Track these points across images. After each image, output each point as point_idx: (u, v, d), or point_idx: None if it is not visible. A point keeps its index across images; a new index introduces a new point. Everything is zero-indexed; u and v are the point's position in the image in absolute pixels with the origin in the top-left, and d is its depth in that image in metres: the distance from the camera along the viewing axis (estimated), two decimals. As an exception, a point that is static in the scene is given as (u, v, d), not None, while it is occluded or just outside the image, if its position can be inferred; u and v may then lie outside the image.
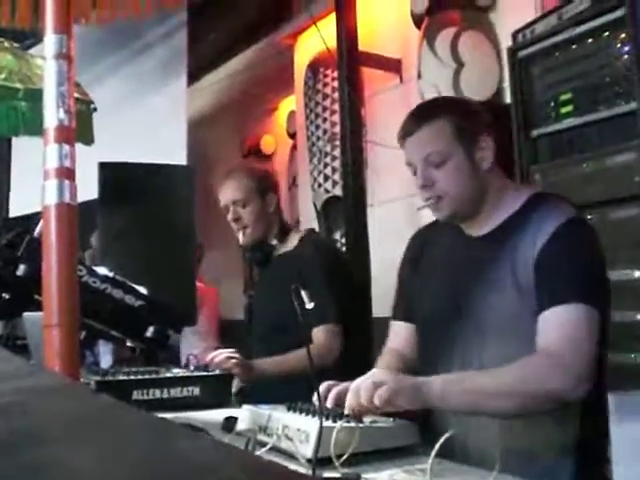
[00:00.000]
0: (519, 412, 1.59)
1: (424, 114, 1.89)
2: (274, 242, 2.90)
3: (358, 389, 1.51)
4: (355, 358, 2.67)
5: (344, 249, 4.46)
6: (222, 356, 2.51)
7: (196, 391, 2.29)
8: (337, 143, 4.69)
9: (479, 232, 1.84)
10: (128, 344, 2.38)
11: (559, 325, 1.58)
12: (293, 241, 2.90)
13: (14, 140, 5.88)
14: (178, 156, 5.05)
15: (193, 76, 6.03)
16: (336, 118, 4.67)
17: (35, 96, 3.43)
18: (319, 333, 2.67)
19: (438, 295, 1.88)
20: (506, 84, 3.49)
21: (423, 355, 1.91)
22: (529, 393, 1.56)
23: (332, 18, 4.45)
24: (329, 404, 1.56)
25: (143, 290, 2.31)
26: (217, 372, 2.42)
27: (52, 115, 1.36)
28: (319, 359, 2.34)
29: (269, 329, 2.90)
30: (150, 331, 2.06)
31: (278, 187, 3.02)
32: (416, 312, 1.98)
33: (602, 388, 1.59)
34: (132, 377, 2.27)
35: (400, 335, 2.04)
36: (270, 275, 2.95)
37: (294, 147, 6.21)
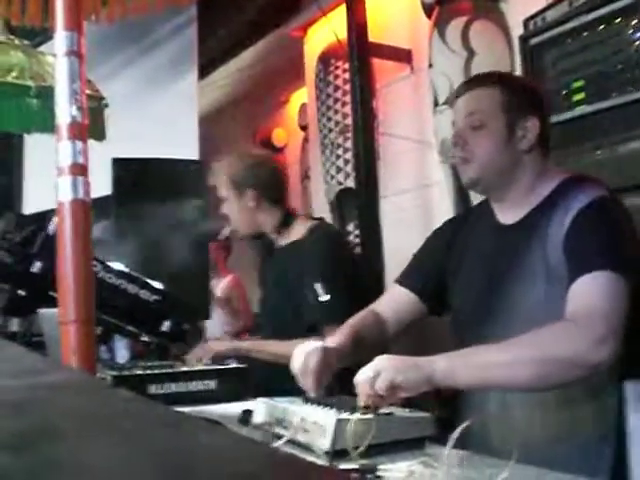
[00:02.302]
0: (538, 382, 1.52)
1: (479, 79, 1.93)
2: (274, 236, 2.85)
3: (361, 383, 1.51)
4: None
5: (357, 241, 4.47)
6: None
7: (212, 385, 2.30)
8: (349, 135, 4.68)
9: (511, 219, 1.84)
10: (143, 339, 2.39)
11: (581, 294, 1.54)
12: (299, 232, 2.82)
13: (26, 137, 5.89)
14: (190, 151, 5.06)
15: (204, 71, 6.04)
16: (347, 110, 4.67)
17: (47, 93, 3.43)
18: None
19: (472, 284, 1.87)
20: (518, 72, 3.48)
21: (458, 342, 1.88)
22: (545, 359, 1.48)
23: (342, 9, 4.45)
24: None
25: (158, 285, 2.32)
26: (233, 365, 2.43)
27: (64, 112, 1.36)
28: None
29: (274, 323, 2.89)
30: (165, 325, 2.07)
31: (265, 177, 2.87)
32: (443, 295, 1.99)
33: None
34: (148, 371, 2.28)
35: (395, 300, 2.04)
36: (273, 267, 2.91)
37: (306, 140, 6.21)
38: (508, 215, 1.84)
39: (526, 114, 1.80)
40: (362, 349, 1.89)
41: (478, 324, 1.79)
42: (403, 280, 2.07)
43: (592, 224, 1.63)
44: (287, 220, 2.84)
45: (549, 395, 1.65)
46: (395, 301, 2.04)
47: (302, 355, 1.73)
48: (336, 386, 1.68)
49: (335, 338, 1.85)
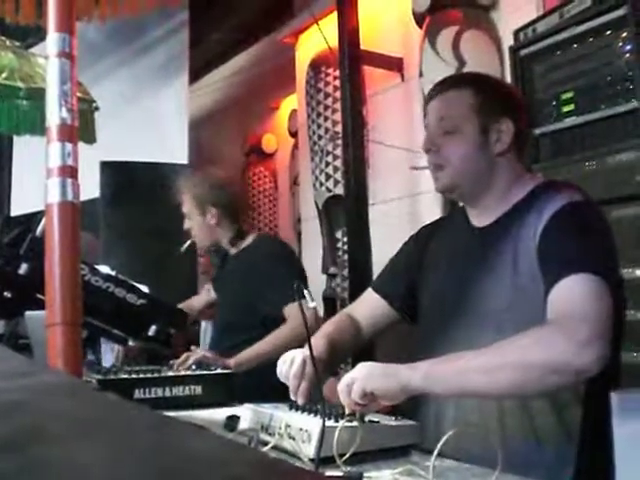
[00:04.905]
0: (518, 389, 1.46)
1: (453, 80, 1.89)
2: (228, 247, 3.08)
3: (339, 391, 1.51)
4: (357, 355, 2.67)
5: (345, 248, 4.48)
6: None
7: (198, 390, 2.29)
8: (339, 142, 4.69)
9: (484, 222, 1.80)
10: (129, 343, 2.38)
11: (562, 298, 1.49)
12: (246, 243, 3.06)
13: (15, 139, 5.88)
14: (180, 155, 5.06)
15: (195, 75, 6.04)
16: (338, 117, 4.67)
17: (37, 95, 3.43)
18: (293, 310, 2.68)
19: (441, 286, 1.85)
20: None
21: (422, 344, 1.86)
22: (527, 364, 1.41)
23: (334, 17, 4.45)
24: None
25: (145, 289, 2.31)
26: (219, 371, 2.42)
27: (55, 114, 1.36)
28: (299, 336, 2.31)
29: (221, 326, 3.13)
30: (152, 330, 2.06)
31: (226, 197, 3.07)
32: (415, 300, 1.96)
33: (614, 373, 1.53)
34: (134, 376, 2.27)
35: (369, 305, 2.04)
36: (224, 276, 3.17)
37: (296, 146, 6.22)
38: (481, 218, 1.81)
39: (500, 116, 1.74)
40: (337, 356, 1.89)
41: (446, 327, 1.76)
42: (376, 285, 2.08)
43: (567, 226, 1.59)
44: (240, 234, 3.09)
45: (508, 403, 1.64)
46: (369, 306, 2.04)
47: (298, 360, 1.72)
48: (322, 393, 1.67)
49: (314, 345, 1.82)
